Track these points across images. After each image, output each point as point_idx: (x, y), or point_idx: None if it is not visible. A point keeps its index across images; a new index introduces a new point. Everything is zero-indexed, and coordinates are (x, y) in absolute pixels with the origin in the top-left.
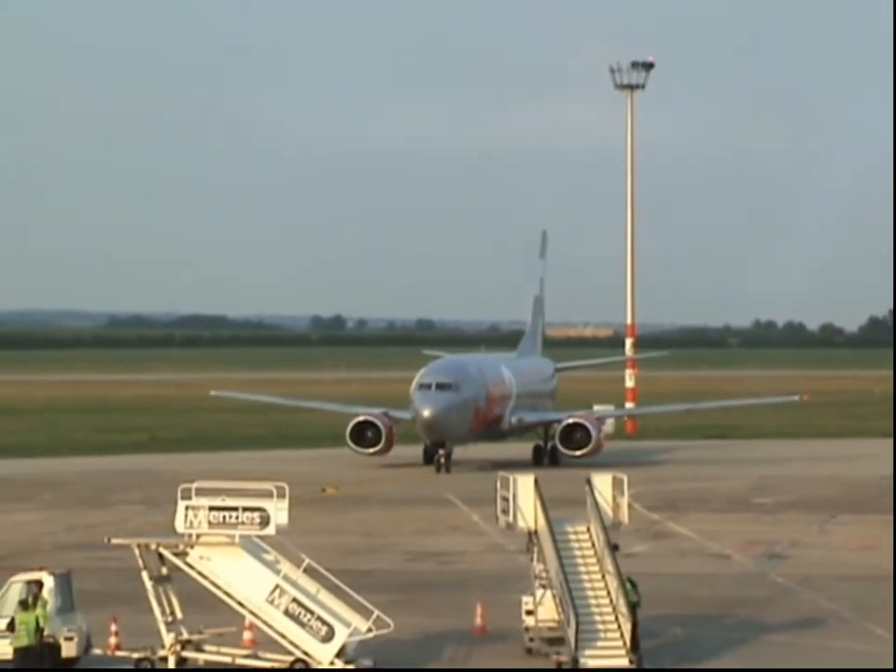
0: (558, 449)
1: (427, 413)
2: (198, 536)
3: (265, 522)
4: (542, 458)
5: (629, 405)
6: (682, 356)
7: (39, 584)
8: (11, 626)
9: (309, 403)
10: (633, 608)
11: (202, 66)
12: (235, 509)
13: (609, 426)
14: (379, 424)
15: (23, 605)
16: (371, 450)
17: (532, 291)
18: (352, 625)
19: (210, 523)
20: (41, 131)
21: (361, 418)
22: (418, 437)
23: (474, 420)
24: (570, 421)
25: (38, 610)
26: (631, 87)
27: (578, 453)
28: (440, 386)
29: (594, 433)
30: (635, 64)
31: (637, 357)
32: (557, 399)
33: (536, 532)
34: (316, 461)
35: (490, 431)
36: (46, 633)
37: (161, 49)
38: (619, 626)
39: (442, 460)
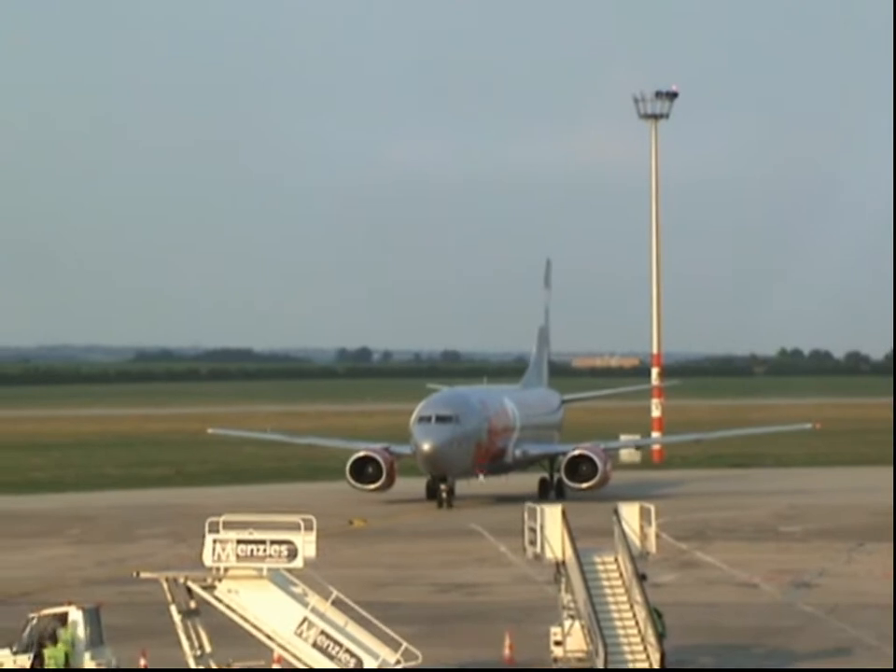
0: (564, 482)
1: (426, 446)
2: (226, 569)
3: (293, 555)
4: (548, 492)
5: (655, 434)
6: (708, 384)
7: (63, 619)
8: (40, 659)
9: (308, 440)
10: (659, 638)
11: (219, 98)
12: (263, 542)
13: (635, 455)
14: (379, 459)
15: (52, 639)
16: (372, 486)
17: (529, 321)
18: (380, 657)
19: (238, 556)
20: (69, 160)
21: (361, 454)
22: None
23: (476, 453)
24: (576, 453)
25: (64, 645)
26: (655, 116)
27: (584, 485)
28: (440, 419)
29: (600, 465)
30: (659, 94)
31: (647, 386)
32: (575, 429)
33: (564, 563)
34: (344, 493)
35: (493, 465)
36: (75, 667)
37: (183, 74)
38: (647, 656)
39: (444, 495)
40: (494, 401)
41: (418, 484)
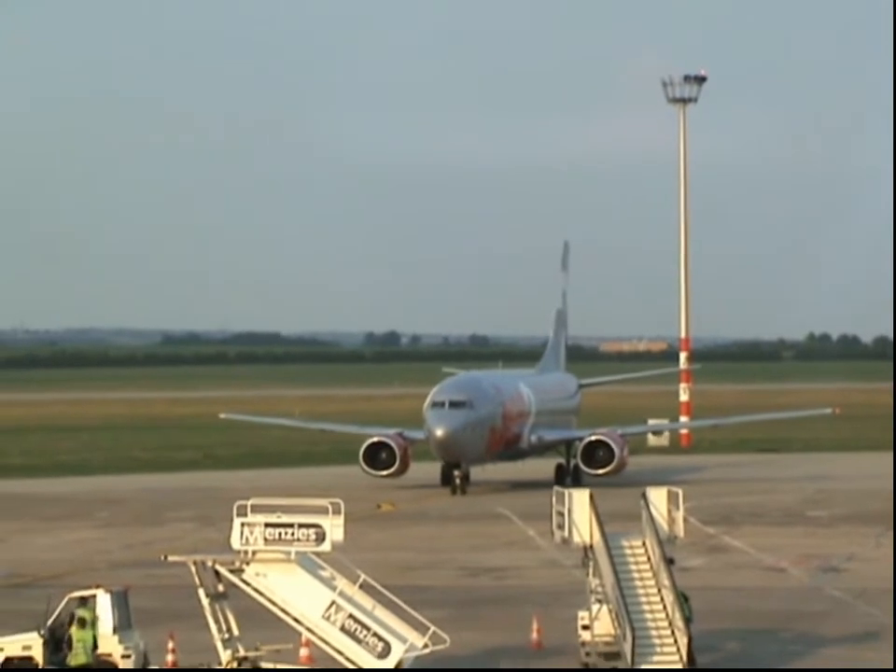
0: (580, 468)
1: (440, 432)
2: (254, 553)
3: (321, 538)
4: (565, 477)
5: (683, 419)
6: (737, 369)
7: (84, 602)
8: (69, 644)
9: (321, 425)
10: (686, 622)
11: (250, 84)
12: (291, 525)
13: (663, 439)
14: (393, 445)
15: (81, 623)
16: (386, 472)
17: (554, 304)
18: (408, 641)
19: (266, 539)
20: (95, 147)
21: (375, 439)
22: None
23: (490, 439)
24: (592, 438)
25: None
26: (684, 100)
27: (600, 471)
28: (453, 404)
29: (616, 451)
30: (687, 78)
31: (667, 371)
32: (602, 413)
33: (591, 547)
34: (372, 477)
35: (508, 450)
36: (104, 651)
37: (208, 65)
38: (675, 641)
39: (458, 481)
40: (508, 386)
41: (433, 470)
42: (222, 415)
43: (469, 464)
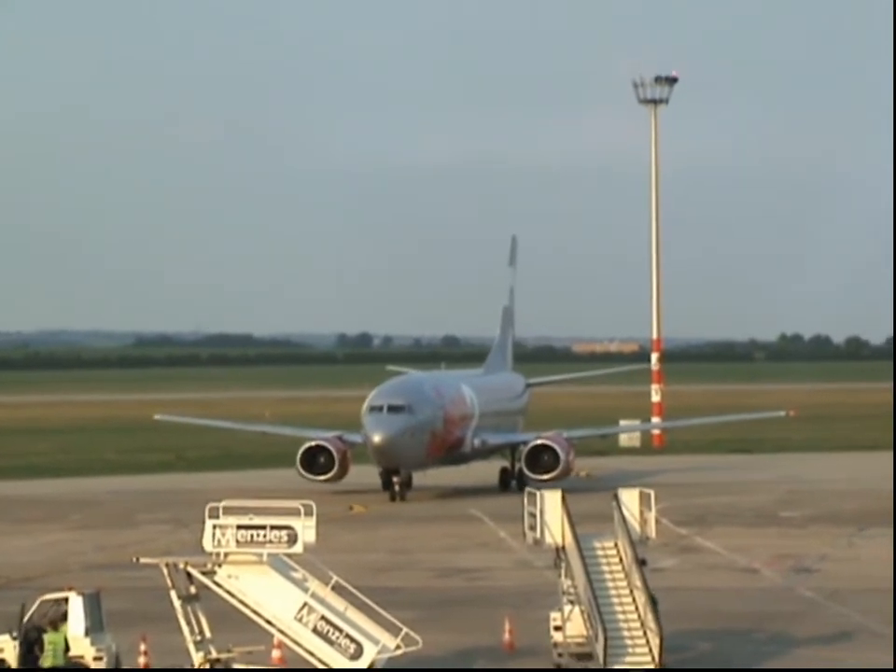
0: (525, 472)
1: (377, 438)
2: (226, 554)
3: (293, 540)
4: (509, 482)
5: (655, 419)
6: (709, 370)
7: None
8: (40, 646)
9: (259, 427)
10: (659, 623)
11: (228, 83)
12: (263, 527)
13: (636, 440)
14: (332, 449)
15: (53, 625)
16: (323, 477)
17: (501, 302)
18: (380, 643)
19: (238, 541)
20: (67, 146)
21: (312, 443)
22: None
23: (431, 444)
24: (537, 443)
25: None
26: (655, 101)
27: (545, 477)
28: (392, 409)
29: (562, 455)
30: (658, 79)
31: (616, 370)
32: (575, 413)
33: (563, 548)
34: (345, 480)
35: (450, 455)
36: (75, 653)
37: (187, 65)
38: (647, 641)
39: (397, 488)
40: (450, 388)
41: (375, 474)
42: (157, 416)
43: (409, 469)
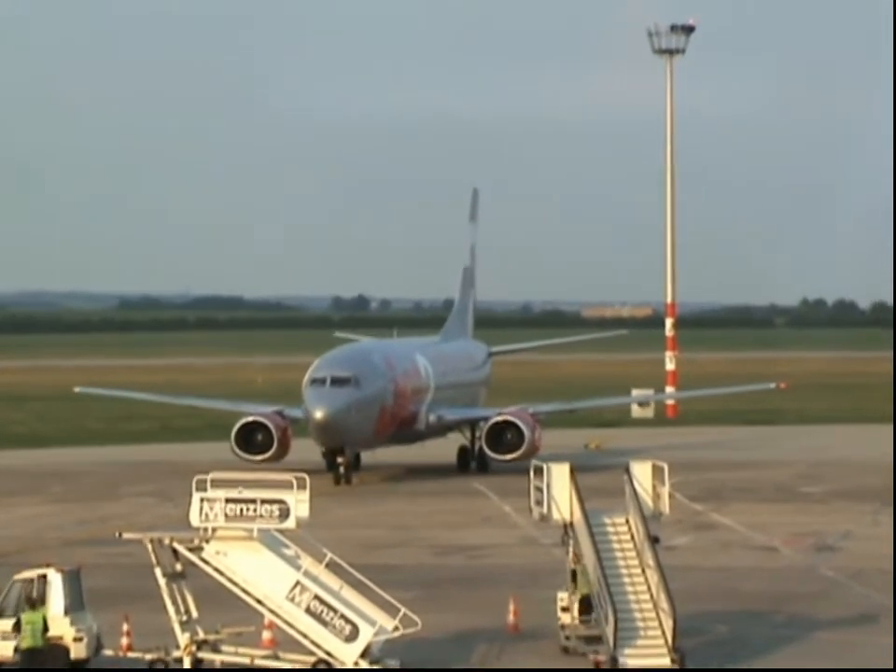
0: (485, 452)
1: (319, 414)
2: (214, 530)
3: (285, 514)
4: (469, 462)
5: (669, 389)
6: (726, 336)
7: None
8: (18, 626)
9: (189, 400)
10: (672, 604)
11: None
12: (253, 501)
13: (649, 410)
14: (270, 425)
15: (31, 604)
16: (261, 456)
17: (461, 262)
18: (377, 624)
19: (227, 516)
20: (50, 110)
21: (249, 419)
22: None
23: (379, 421)
24: (499, 419)
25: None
26: (670, 52)
27: (508, 456)
28: (335, 381)
29: (527, 433)
30: (674, 28)
31: (597, 336)
32: (588, 383)
33: (571, 524)
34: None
35: (403, 433)
36: (54, 633)
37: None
38: (660, 624)
39: (342, 469)
40: (402, 358)
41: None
42: (77, 389)
43: (355, 449)
